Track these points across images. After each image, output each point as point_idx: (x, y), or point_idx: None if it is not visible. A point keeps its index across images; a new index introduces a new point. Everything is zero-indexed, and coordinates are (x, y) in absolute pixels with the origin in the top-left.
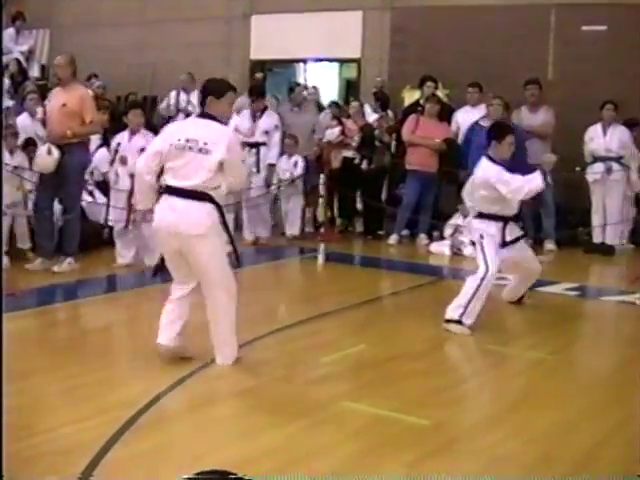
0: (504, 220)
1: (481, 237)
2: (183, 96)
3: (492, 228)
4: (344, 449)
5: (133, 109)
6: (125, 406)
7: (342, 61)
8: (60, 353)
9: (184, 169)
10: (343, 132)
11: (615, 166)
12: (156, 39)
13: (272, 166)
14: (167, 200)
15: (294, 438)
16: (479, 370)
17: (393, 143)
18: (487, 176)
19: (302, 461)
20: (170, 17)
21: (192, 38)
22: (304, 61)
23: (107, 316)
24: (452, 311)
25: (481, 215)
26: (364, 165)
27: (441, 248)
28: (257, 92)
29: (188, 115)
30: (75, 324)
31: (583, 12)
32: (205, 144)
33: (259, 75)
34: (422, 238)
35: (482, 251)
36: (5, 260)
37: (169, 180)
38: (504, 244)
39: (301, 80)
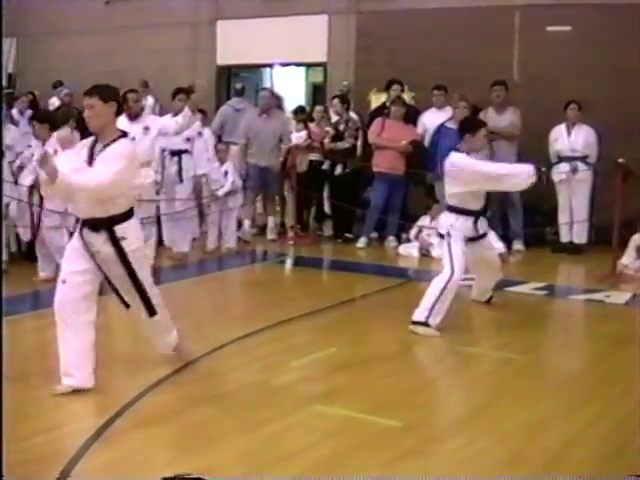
0: (475, 215)
1: (449, 235)
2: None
3: (462, 222)
4: (316, 452)
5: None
6: (97, 413)
7: (308, 65)
8: (28, 362)
9: None
10: (309, 136)
11: (580, 166)
12: (123, 46)
13: (201, 177)
14: None
15: (266, 442)
16: (449, 371)
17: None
18: (461, 165)
19: (274, 465)
20: (136, 23)
21: (158, 44)
22: (270, 66)
23: None
24: (419, 313)
25: (451, 209)
26: (338, 170)
27: (410, 250)
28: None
29: None
30: (41, 333)
31: (547, 13)
32: None
33: (238, 86)
34: (391, 240)
35: (449, 251)
36: None
37: None
38: (474, 238)
39: (267, 85)
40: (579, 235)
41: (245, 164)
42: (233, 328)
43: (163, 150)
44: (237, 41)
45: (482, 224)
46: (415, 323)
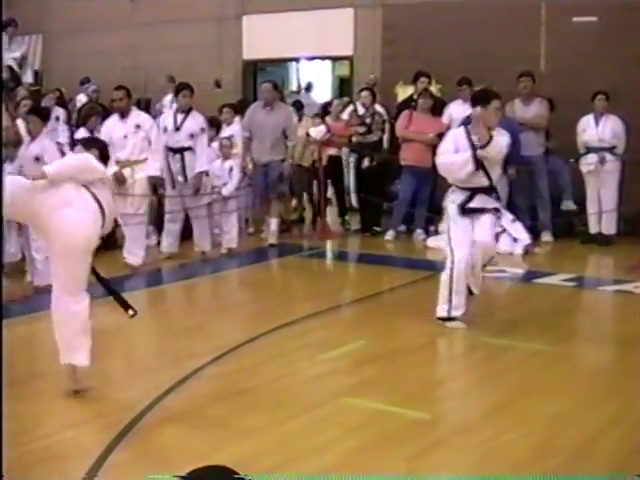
0: (472, 190)
1: (447, 215)
2: (167, 99)
3: (457, 194)
4: (344, 445)
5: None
6: (125, 409)
7: (334, 59)
8: (57, 359)
9: None
10: (328, 130)
11: (608, 156)
12: (148, 42)
13: (201, 174)
14: None
15: (293, 436)
16: (477, 363)
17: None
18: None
19: (301, 458)
20: (161, 19)
21: (184, 40)
22: (296, 60)
23: (102, 321)
24: (440, 309)
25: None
26: (365, 163)
27: (438, 242)
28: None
29: None
30: None
31: (573, 3)
32: None
33: (306, 82)
34: (419, 233)
35: (448, 235)
36: None
37: None
38: (466, 210)
39: (294, 79)
40: (608, 226)
41: (250, 160)
42: (261, 322)
43: (167, 148)
44: (263, 35)
45: (481, 199)
46: (441, 319)
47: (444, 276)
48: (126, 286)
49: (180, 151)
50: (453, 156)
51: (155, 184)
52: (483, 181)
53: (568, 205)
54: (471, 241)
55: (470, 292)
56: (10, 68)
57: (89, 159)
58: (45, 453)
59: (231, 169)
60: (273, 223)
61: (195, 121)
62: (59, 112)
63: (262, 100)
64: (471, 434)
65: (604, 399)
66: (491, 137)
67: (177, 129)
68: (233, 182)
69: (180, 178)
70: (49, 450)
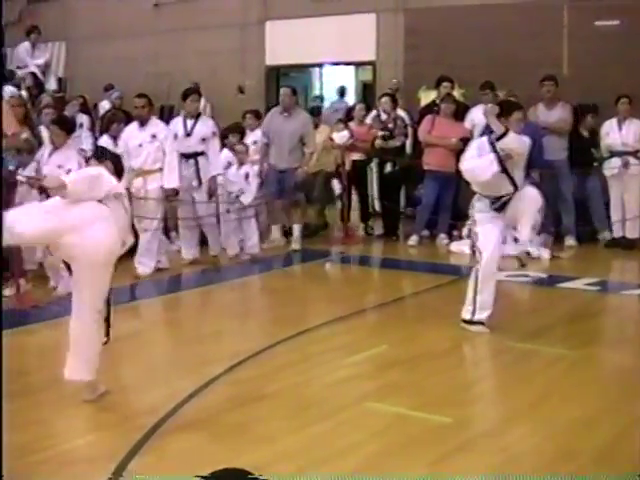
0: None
1: (474, 222)
2: None
3: (485, 208)
4: (366, 449)
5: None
6: (148, 413)
7: (357, 64)
8: None
9: None
10: (352, 135)
11: (632, 160)
12: (171, 48)
13: (216, 177)
14: None
15: (316, 440)
16: (501, 367)
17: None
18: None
19: (324, 462)
20: (184, 26)
21: (207, 46)
22: (319, 65)
23: (122, 328)
24: (465, 312)
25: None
26: (388, 168)
27: (461, 247)
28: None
29: None
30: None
31: (596, 7)
32: None
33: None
34: (442, 238)
35: (475, 238)
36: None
37: None
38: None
39: (317, 83)
40: (632, 230)
41: (266, 165)
42: (283, 327)
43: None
44: (286, 41)
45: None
46: (464, 322)
47: (472, 279)
48: (146, 292)
49: (193, 156)
50: (477, 159)
51: (169, 195)
52: (508, 188)
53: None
54: (498, 242)
55: None
56: (34, 75)
57: (102, 174)
58: (66, 458)
59: (247, 175)
60: (296, 229)
61: (206, 125)
62: (83, 119)
63: (280, 106)
64: (494, 438)
65: (626, 403)
66: (507, 129)
67: (188, 135)
68: (252, 189)
69: (194, 183)
70: (70, 455)
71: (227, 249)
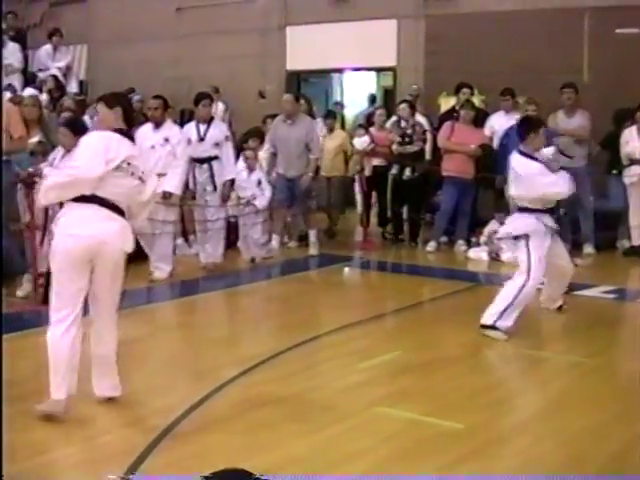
0: (548, 212)
1: (527, 237)
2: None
3: (540, 224)
4: (376, 454)
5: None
6: (162, 415)
7: (378, 70)
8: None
9: None
10: (372, 141)
11: None
12: (192, 53)
13: (231, 182)
14: None
15: (327, 444)
16: (514, 374)
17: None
18: (529, 172)
19: (334, 466)
20: (205, 30)
21: (228, 51)
22: (340, 71)
23: (139, 330)
24: (488, 316)
25: (524, 210)
26: (407, 173)
27: (479, 254)
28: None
29: None
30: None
31: (616, 15)
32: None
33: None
34: (460, 244)
35: (527, 254)
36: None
37: None
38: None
39: (337, 89)
40: None
41: (274, 174)
42: (298, 331)
43: (192, 159)
44: (306, 46)
45: (552, 220)
46: (484, 327)
47: (510, 289)
48: (160, 296)
49: (207, 161)
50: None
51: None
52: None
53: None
54: (546, 265)
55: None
56: (55, 77)
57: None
58: (82, 457)
59: (259, 182)
60: (312, 235)
61: (219, 129)
62: None
63: (283, 113)
64: (505, 444)
65: (637, 413)
66: None
67: (201, 139)
68: (266, 195)
69: (209, 188)
70: (86, 454)
71: (242, 253)
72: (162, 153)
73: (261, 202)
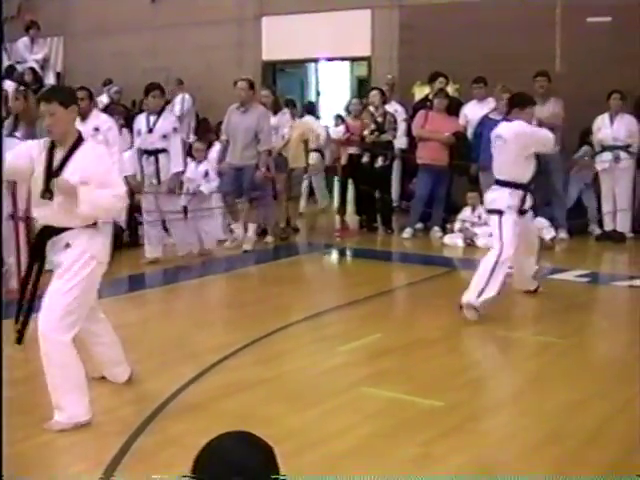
0: (524, 188)
1: (500, 212)
2: (177, 99)
3: (514, 198)
4: (360, 431)
5: None
6: (148, 399)
7: (353, 59)
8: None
9: None
10: (348, 130)
11: (623, 154)
12: (169, 43)
13: (176, 175)
14: None
15: (312, 422)
16: (491, 354)
17: (405, 139)
18: (520, 129)
19: (319, 443)
20: (182, 21)
21: (204, 41)
22: (315, 61)
23: (125, 315)
24: (469, 294)
25: (501, 183)
26: (379, 162)
27: (454, 240)
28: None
29: None
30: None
31: (588, 4)
32: None
33: None
34: (436, 231)
35: (499, 228)
36: None
37: None
38: (521, 212)
39: (312, 79)
40: (622, 223)
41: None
42: (280, 316)
43: (140, 150)
44: (282, 36)
45: (528, 199)
46: (464, 306)
47: (486, 263)
48: (143, 283)
49: (154, 153)
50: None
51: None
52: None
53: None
54: (518, 243)
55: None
56: (33, 70)
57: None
58: (70, 440)
59: (206, 173)
60: (250, 229)
61: (167, 121)
62: None
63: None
64: (484, 421)
65: (614, 389)
66: None
67: (150, 131)
68: (212, 184)
69: (154, 180)
70: (74, 437)
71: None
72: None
73: (207, 188)
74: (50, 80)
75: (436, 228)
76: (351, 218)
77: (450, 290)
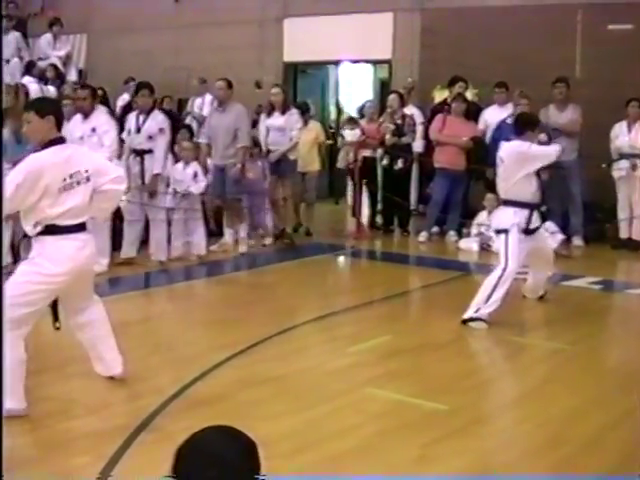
0: (530, 207)
1: (505, 231)
2: (198, 101)
3: (518, 216)
4: (363, 431)
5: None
6: (155, 393)
7: (374, 62)
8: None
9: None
10: (363, 132)
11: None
12: (191, 43)
13: (157, 176)
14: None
15: (315, 421)
16: (499, 359)
17: (422, 142)
18: (517, 149)
19: (320, 442)
20: (204, 21)
21: (226, 42)
22: (336, 63)
23: (137, 312)
24: (470, 311)
25: (508, 203)
26: (399, 164)
27: (470, 244)
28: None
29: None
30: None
31: (609, 11)
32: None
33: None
34: (451, 235)
35: (505, 245)
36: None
37: None
38: (528, 232)
39: (332, 81)
40: (638, 231)
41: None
42: (289, 317)
43: (130, 150)
44: (303, 38)
45: (536, 218)
46: (465, 321)
47: (490, 279)
48: (154, 281)
49: (140, 153)
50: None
51: None
52: (537, 195)
53: None
54: (524, 257)
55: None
56: (54, 66)
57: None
58: (78, 432)
59: (195, 174)
60: (242, 230)
61: (154, 122)
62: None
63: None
64: (487, 424)
65: (619, 395)
66: None
67: (138, 130)
68: (200, 184)
69: (139, 181)
70: (82, 429)
71: (172, 250)
72: (89, 143)
73: (197, 189)
74: (72, 77)
75: (452, 232)
76: (366, 220)
77: (463, 294)
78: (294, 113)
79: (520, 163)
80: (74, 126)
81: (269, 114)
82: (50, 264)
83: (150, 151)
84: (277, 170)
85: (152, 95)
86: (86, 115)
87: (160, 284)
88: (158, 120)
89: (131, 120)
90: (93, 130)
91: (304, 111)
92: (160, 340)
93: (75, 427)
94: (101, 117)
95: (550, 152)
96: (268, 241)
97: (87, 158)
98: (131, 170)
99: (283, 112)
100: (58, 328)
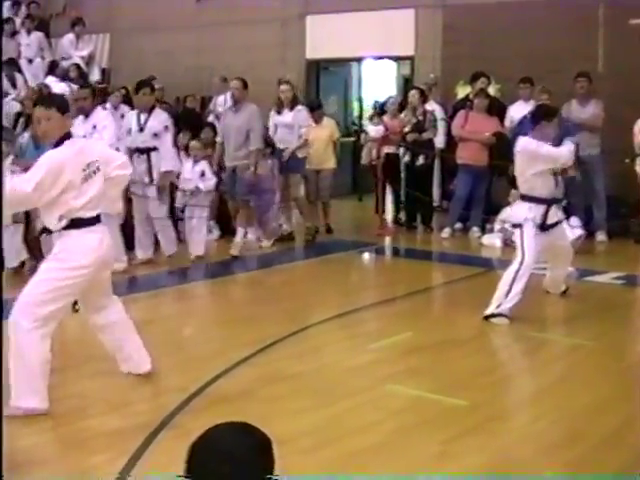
0: (547, 203)
1: (521, 225)
2: (220, 99)
3: (534, 211)
4: (383, 427)
5: None
6: (176, 391)
7: (396, 59)
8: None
9: None
10: (386, 128)
11: None
12: (212, 42)
13: (167, 173)
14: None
15: (335, 418)
16: (519, 355)
17: (444, 138)
18: (525, 145)
19: (341, 438)
20: (226, 20)
21: (248, 40)
22: (359, 60)
23: (157, 311)
24: (491, 307)
25: (524, 197)
26: (420, 160)
27: (493, 240)
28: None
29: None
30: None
31: (631, 5)
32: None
33: None
34: (474, 231)
35: (521, 239)
36: None
37: None
38: (544, 227)
39: (355, 78)
40: None
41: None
42: (313, 313)
43: (131, 149)
44: (326, 35)
45: (554, 213)
46: (487, 317)
47: (508, 273)
48: (171, 280)
49: (146, 151)
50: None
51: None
52: (553, 190)
53: None
54: (540, 251)
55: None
56: (77, 66)
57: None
58: (99, 430)
59: (203, 173)
60: (239, 232)
61: (158, 120)
62: (124, 110)
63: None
64: (505, 420)
65: (636, 392)
66: None
67: (141, 129)
68: (209, 183)
69: (146, 179)
70: (103, 427)
71: (189, 248)
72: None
73: (205, 186)
74: (95, 76)
75: (475, 228)
76: (389, 217)
77: (486, 290)
78: (302, 110)
79: (529, 161)
80: (77, 126)
81: (279, 111)
82: (76, 257)
83: (155, 149)
84: (285, 168)
85: (153, 93)
86: (87, 115)
87: (178, 283)
88: (162, 118)
89: (131, 119)
90: (94, 127)
91: (315, 108)
92: (179, 339)
93: (96, 425)
94: (100, 114)
95: (560, 155)
96: (266, 244)
97: (95, 148)
98: (136, 169)
99: (291, 109)
100: (77, 310)
